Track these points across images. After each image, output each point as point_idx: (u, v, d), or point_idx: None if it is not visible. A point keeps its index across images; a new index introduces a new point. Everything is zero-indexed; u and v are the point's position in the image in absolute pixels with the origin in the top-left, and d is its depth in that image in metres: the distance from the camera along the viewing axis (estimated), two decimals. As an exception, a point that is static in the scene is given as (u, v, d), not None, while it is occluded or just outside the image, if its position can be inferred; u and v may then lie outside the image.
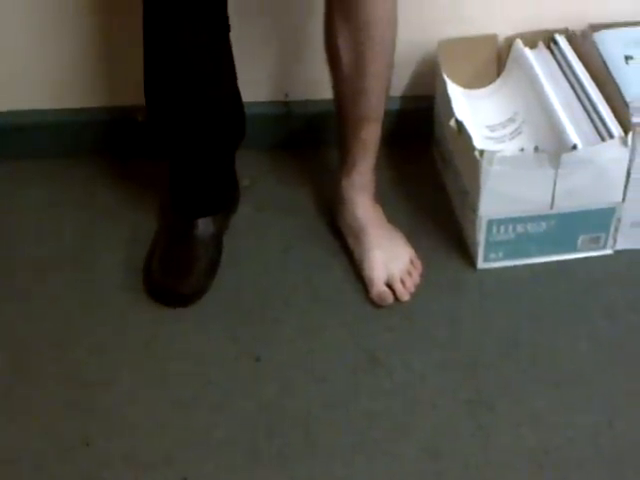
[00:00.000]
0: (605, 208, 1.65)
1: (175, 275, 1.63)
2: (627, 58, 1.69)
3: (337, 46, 1.54)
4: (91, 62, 1.83)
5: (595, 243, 1.69)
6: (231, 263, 1.68)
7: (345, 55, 1.54)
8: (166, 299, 1.62)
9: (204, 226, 1.67)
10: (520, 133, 1.72)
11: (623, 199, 1.64)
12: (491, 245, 1.66)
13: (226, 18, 1.55)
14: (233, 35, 1.57)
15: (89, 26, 1.79)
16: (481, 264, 1.68)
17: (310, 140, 1.90)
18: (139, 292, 1.64)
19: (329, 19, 1.54)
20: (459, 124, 1.64)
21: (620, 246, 1.70)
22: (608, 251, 1.71)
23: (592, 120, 1.63)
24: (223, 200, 1.73)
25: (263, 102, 1.87)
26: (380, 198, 1.72)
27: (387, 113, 1.65)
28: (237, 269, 1.67)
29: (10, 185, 1.85)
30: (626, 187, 1.63)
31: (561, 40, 1.78)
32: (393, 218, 1.72)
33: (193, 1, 1.48)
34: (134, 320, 1.60)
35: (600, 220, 1.67)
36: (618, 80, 1.65)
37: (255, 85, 1.80)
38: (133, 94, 1.69)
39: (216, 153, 1.68)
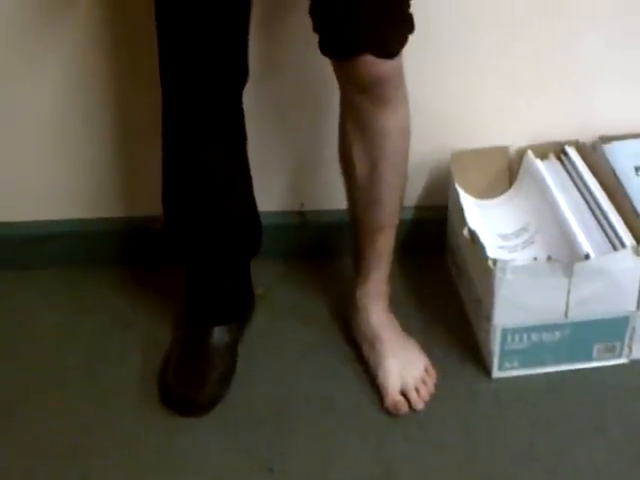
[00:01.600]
0: (619, 317, 1.65)
1: (190, 384, 1.63)
2: (637, 169, 1.72)
3: (351, 156, 1.57)
4: (109, 173, 1.87)
5: (610, 352, 1.69)
6: (246, 372, 1.68)
7: (359, 165, 1.57)
8: (181, 408, 1.62)
9: (219, 335, 1.68)
10: (532, 242, 1.74)
11: (637, 307, 1.64)
12: (506, 354, 1.66)
13: (243, 130, 1.59)
14: (249, 144, 1.61)
15: (109, 139, 1.83)
16: (496, 373, 1.68)
17: (325, 249, 1.92)
18: (154, 400, 1.64)
19: (343, 130, 1.58)
20: (472, 234, 1.66)
21: (636, 355, 1.70)
22: (623, 360, 1.70)
23: (604, 229, 1.65)
24: (238, 309, 1.74)
25: (278, 212, 1.89)
26: (394, 306, 1.73)
27: (401, 222, 1.67)
28: (252, 378, 1.67)
29: (29, 294, 1.87)
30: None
31: (571, 151, 1.81)
32: (407, 326, 1.72)
33: (211, 115, 1.52)
34: (149, 428, 1.59)
35: (615, 329, 1.67)
36: (629, 190, 1.68)
37: (271, 194, 1.84)
38: (151, 204, 1.72)
39: (232, 263, 1.70)
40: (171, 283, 1.83)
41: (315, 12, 1.43)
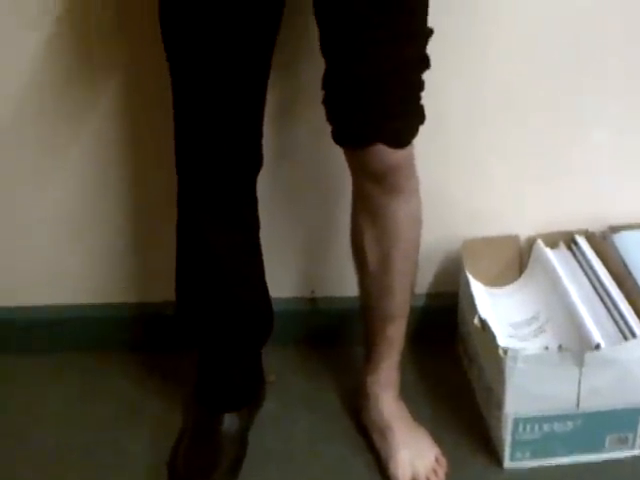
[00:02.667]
0: (631, 408, 1.64)
1: (199, 471, 1.62)
2: (647, 259, 1.73)
3: (363, 244, 1.59)
4: (121, 259, 1.89)
5: (623, 443, 1.67)
6: (255, 459, 1.66)
7: (371, 253, 1.58)
8: (190, 495, 1.61)
9: (229, 421, 1.67)
10: (543, 331, 1.74)
11: (649, 398, 1.64)
12: (517, 444, 1.64)
13: (256, 217, 1.61)
14: (261, 230, 1.63)
15: (121, 225, 1.85)
16: (507, 463, 1.66)
17: (336, 337, 1.92)
18: (163, 488, 1.63)
19: (355, 218, 1.59)
20: (483, 322, 1.66)
21: (649, 447, 1.69)
22: (636, 451, 1.68)
23: (614, 319, 1.65)
24: (249, 395, 1.73)
25: (290, 298, 1.90)
26: (405, 394, 1.72)
27: (412, 310, 1.68)
28: (261, 466, 1.66)
29: (39, 379, 1.87)
30: (651, 386, 1.63)
31: (581, 241, 1.82)
32: (418, 415, 1.71)
33: (225, 201, 1.54)
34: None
35: (627, 420, 1.65)
36: (639, 280, 1.68)
37: (282, 281, 1.84)
38: (162, 290, 1.74)
39: (243, 349, 1.70)
40: (181, 369, 1.83)
41: (328, 102, 1.46)
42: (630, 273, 1.71)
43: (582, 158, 1.81)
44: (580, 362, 1.56)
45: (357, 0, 1.36)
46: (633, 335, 1.60)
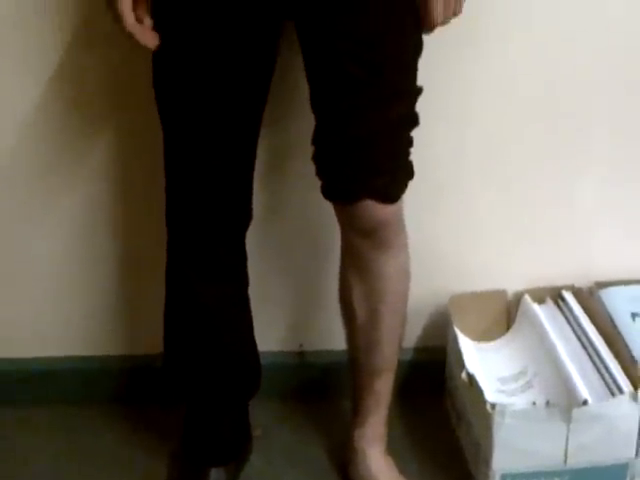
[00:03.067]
0: (619, 464, 1.64)
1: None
2: (634, 315, 1.74)
3: (351, 299, 1.59)
4: (110, 311, 1.88)
5: (610, 499, 1.67)
6: (242, 514, 1.66)
7: (359, 308, 1.59)
8: None
9: (216, 476, 1.66)
10: (531, 387, 1.74)
11: (636, 454, 1.63)
12: (505, 500, 1.64)
13: (245, 271, 1.62)
14: (250, 285, 1.63)
15: (109, 278, 1.85)
16: (496, 519, 1.65)
17: (323, 390, 1.91)
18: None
19: (343, 273, 1.60)
20: (470, 377, 1.66)
21: (636, 503, 1.68)
22: (624, 508, 1.68)
23: (602, 375, 1.66)
24: (236, 450, 1.73)
25: (277, 352, 1.90)
26: (392, 449, 1.72)
27: (399, 364, 1.68)
28: (247, 521, 1.65)
29: (26, 432, 1.85)
30: (639, 442, 1.63)
31: (568, 296, 1.83)
32: (405, 469, 1.70)
33: (214, 256, 1.55)
34: None
35: (614, 476, 1.65)
36: (625, 337, 1.69)
37: (270, 334, 1.84)
38: (151, 343, 1.73)
39: (231, 402, 1.70)
40: (168, 422, 1.81)
41: (318, 158, 1.47)
42: (617, 329, 1.72)
43: (569, 214, 1.83)
44: (568, 418, 1.56)
45: (347, 59, 1.39)
46: (620, 391, 1.60)
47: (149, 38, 1.40)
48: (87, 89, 1.69)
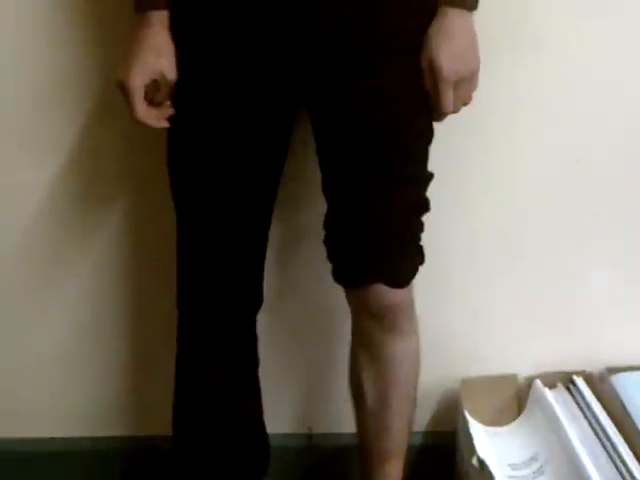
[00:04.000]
0: None
1: None
2: (645, 399, 1.73)
3: (361, 382, 1.59)
4: (116, 391, 1.88)
5: None
6: None
7: (369, 391, 1.58)
8: None
9: None
10: (542, 473, 1.71)
11: None
12: None
13: (255, 353, 1.62)
14: (260, 367, 1.63)
15: (115, 357, 1.86)
16: None
17: (332, 474, 1.90)
18: None
19: (354, 356, 1.60)
20: (481, 462, 1.65)
21: None
22: None
23: (614, 462, 1.63)
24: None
25: (287, 434, 1.89)
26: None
27: (409, 448, 1.66)
28: None
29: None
30: (652, 531, 1.61)
31: (579, 381, 1.82)
32: None
33: (224, 338, 1.55)
34: None
35: None
36: (638, 423, 1.67)
37: (279, 417, 1.83)
38: (159, 424, 1.73)
39: (239, 485, 1.69)
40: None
41: (330, 242, 1.48)
42: (629, 415, 1.70)
43: (580, 299, 1.83)
44: (579, 506, 1.55)
45: (358, 145, 1.41)
46: (633, 478, 1.58)
47: (161, 121, 1.43)
48: (100, 171, 1.73)
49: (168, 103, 1.44)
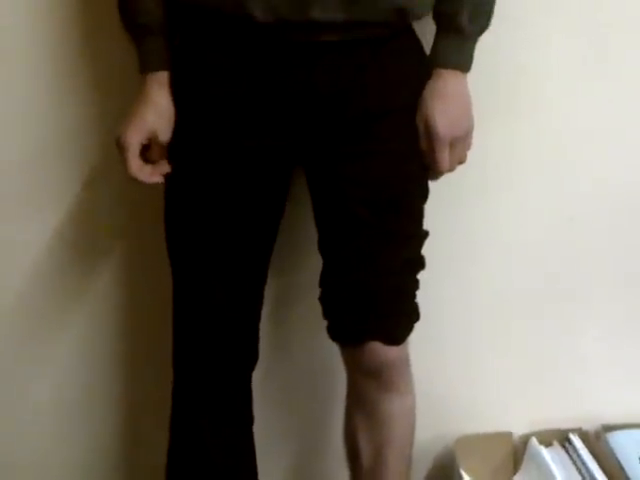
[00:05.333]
0: None
1: None
2: (641, 459, 1.73)
3: (356, 440, 1.57)
4: (110, 450, 1.87)
5: None
6: None
7: (364, 449, 1.57)
8: None
9: None
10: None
11: None
12: None
13: (250, 411, 1.61)
14: (254, 424, 1.62)
15: (110, 416, 1.85)
16: None
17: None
18: None
19: (349, 414, 1.59)
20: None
21: None
22: None
23: (611, 522, 1.63)
24: None
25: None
26: None
27: (405, 508, 1.66)
28: None
29: None
30: None
31: (575, 439, 1.81)
32: None
33: (219, 395, 1.55)
34: None
35: None
36: (634, 481, 1.67)
37: (274, 475, 1.82)
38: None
39: None
40: None
41: (325, 299, 1.49)
42: (625, 473, 1.70)
43: (575, 357, 1.83)
44: None
45: (354, 203, 1.42)
46: (628, 537, 1.58)
47: (155, 176, 1.45)
48: (98, 226, 1.74)
49: (163, 161, 1.46)
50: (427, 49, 1.46)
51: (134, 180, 1.44)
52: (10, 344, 1.81)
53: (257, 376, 1.60)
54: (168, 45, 1.45)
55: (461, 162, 1.48)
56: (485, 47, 1.46)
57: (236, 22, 1.36)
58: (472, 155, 1.49)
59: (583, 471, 1.75)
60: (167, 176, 1.46)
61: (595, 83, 1.67)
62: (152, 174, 1.45)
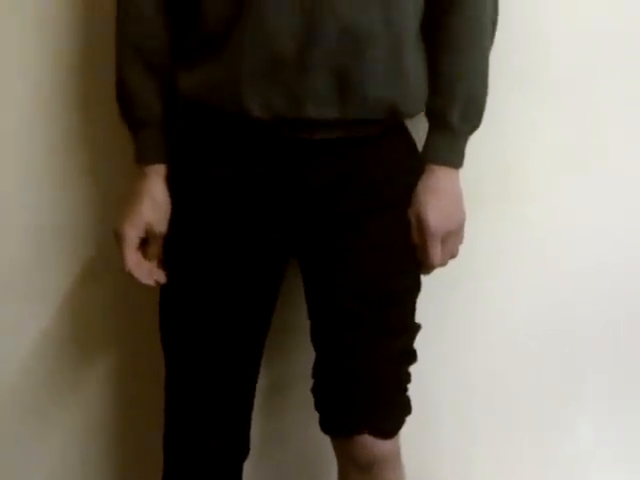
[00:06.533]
0: None
1: None
2: None
3: None
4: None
5: None
6: None
7: None
8: None
9: None
10: None
11: None
12: None
13: None
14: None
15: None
16: None
17: None
18: None
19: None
20: None
21: None
22: None
23: None
24: None
25: None
26: None
27: None
28: None
29: None
30: None
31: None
32: None
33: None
34: None
35: None
36: None
37: None
38: None
39: None
40: None
41: (317, 391, 1.49)
42: None
43: (570, 446, 1.82)
44: None
45: (346, 296, 1.43)
46: None
47: (150, 278, 1.46)
48: (91, 322, 1.75)
49: (160, 269, 1.48)
50: (419, 145, 1.50)
51: (130, 275, 1.45)
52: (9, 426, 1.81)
53: (248, 466, 1.59)
54: (165, 137, 1.48)
55: (453, 256, 1.50)
56: (474, 141, 1.49)
57: (233, 118, 1.39)
58: (462, 248, 1.51)
59: None
60: (162, 285, 1.48)
61: (579, 177, 1.70)
62: (148, 276, 1.46)
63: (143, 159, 1.48)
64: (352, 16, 1.34)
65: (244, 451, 1.57)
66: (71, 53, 1.64)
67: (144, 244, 1.47)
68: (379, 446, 1.46)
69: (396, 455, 1.51)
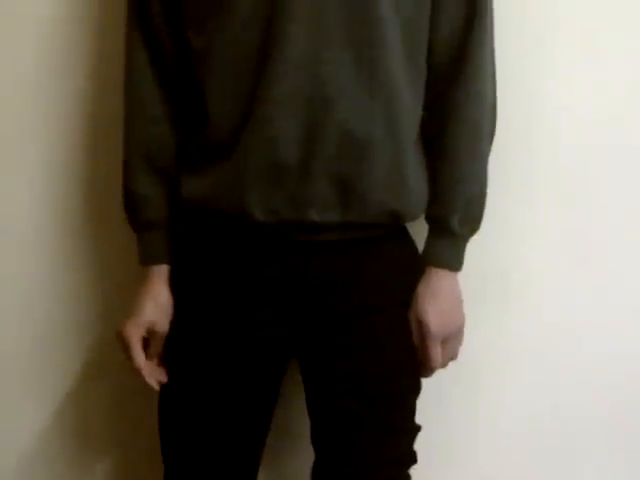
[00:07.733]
0: None
1: None
2: None
3: None
4: None
5: None
6: None
7: None
8: None
9: None
10: None
11: None
12: None
13: None
14: None
15: None
16: None
17: None
18: None
19: None
20: None
21: None
22: None
23: None
24: None
25: None
26: None
27: None
28: None
29: None
30: None
31: None
32: None
33: None
34: None
35: None
36: None
37: None
38: None
39: None
40: None
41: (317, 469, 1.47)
42: None
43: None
44: None
45: (347, 396, 1.43)
46: None
47: (154, 378, 1.47)
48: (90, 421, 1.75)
49: (162, 368, 1.48)
50: (420, 247, 1.51)
51: (137, 374, 1.45)
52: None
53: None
54: (170, 238, 1.50)
55: (453, 358, 1.51)
56: (472, 242, 1.50)
57: (237, 221, 1.41)
58: (462, 349, 1.52)
59: None
60: (163, 385, 1.48)
61: (579, 274, 1.71)
62: (150, 375, 1.47)
63: (147, 260, 1.50)
64: (354, 122, 1.36)
65: None
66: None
67: (144, 346, 1.48)
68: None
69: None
